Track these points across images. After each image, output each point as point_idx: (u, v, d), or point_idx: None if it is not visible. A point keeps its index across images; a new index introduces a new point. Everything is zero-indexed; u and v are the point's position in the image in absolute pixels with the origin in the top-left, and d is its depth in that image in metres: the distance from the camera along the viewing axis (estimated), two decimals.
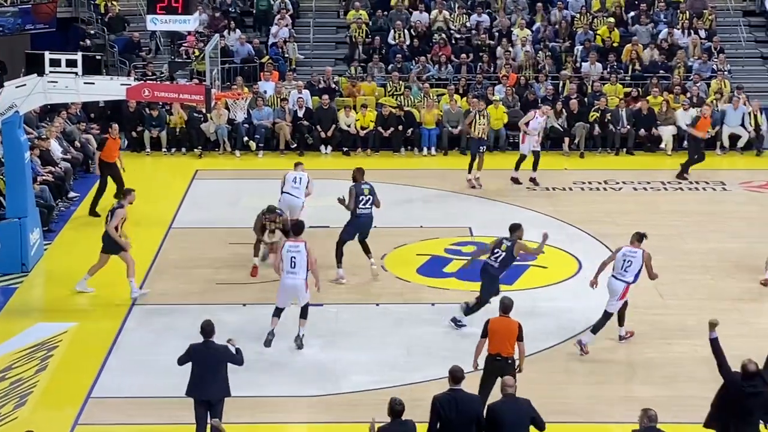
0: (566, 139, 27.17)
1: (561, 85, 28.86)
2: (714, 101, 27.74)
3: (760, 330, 16.62)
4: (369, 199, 18.47)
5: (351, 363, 15.60)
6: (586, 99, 28.23)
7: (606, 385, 15.06)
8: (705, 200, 23.58)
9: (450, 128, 27.33)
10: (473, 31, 30.90)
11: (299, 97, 27.72)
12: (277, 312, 16.09)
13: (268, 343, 15.94)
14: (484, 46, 30.32)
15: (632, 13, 31.62)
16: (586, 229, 21.30)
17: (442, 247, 20.33)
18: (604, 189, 24.35)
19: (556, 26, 31.11)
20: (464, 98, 28.00)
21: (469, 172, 24.12)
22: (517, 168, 24.32)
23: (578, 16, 31.49)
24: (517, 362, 13.45)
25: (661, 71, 29.45)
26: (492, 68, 29.66)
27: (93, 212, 22.15)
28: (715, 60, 29.65)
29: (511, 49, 30.05)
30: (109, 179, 22.38)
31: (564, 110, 27.51)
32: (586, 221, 21.70)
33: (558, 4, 31.58)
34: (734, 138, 27.30)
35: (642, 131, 27.30)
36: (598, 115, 27.35)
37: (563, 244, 20.37)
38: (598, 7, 31.89)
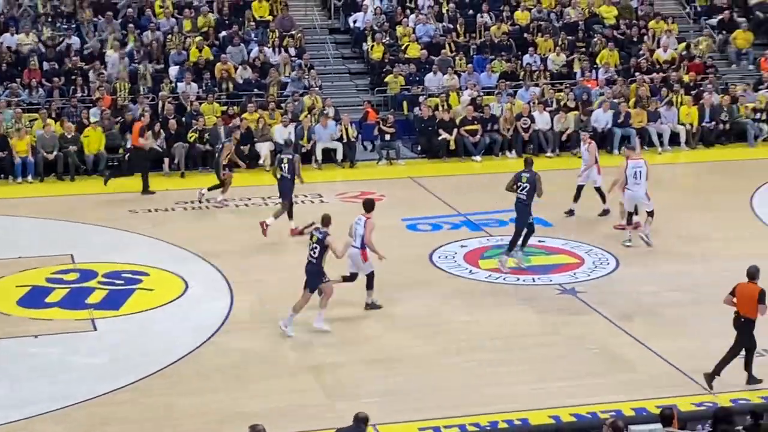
0: (165, 160, 27.08)
1: (160, 105, 28.73)
2: (307, 116, 28.59)
3: (365, 336, 17.21)
4: None
5: None
6: (184, 119, 28.27)
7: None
8: (304, 213, 24.04)
9: (45, 154, 26.50)
10: (64, 55, 30.16)
11: None
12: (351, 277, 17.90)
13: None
14: (75, 69, 29.65)
15: (224, 33, 32.01)
16: (190, 248, 21.31)
17: (43, 277, 19.66)
18: (207, 208, 24.47)
19: (149, 47, 30.93)
20: (58, 122, 27.25)
21: None
22: None
23: (171, 36, 31.47)
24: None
25: (255, 89, 30.03)
26: (86, 91, 29.07)
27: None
28: (307, 76, 30.60)
29: (104, 71, 29.60)
30: None
31: (162, 131, 27.40)
32: (190, 241, 21.71)
33: (150, 25, 31.44)
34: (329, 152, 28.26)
35: (241, 148, 27.66)
36: (197, 135, 27.46)
37: (168, 264, 20.30)
38: (190, 27, 32.04)
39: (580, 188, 23.27)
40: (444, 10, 34.01)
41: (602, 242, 21.48)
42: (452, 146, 28.60)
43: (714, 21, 34.99)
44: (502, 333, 17.28)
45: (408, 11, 33.83)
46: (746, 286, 15.00)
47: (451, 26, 33.41)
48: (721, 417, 11.31)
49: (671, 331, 17.34)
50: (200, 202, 24.54)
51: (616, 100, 29.93)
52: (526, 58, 32.08)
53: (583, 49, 32.94)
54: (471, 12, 34.10)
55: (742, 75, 33.37)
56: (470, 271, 20.19)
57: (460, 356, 16.42)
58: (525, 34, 33.22)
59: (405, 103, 30.35)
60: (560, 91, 30.91)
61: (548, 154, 29.00)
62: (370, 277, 18.01)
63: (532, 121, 29.17)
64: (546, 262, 20.61)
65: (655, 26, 33.89)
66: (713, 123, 29.78)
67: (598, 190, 23.01)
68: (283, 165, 22.07)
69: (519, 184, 20.03)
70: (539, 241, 21.67)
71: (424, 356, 16.43)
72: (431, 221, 23.12)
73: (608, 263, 20.46)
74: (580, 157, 28.49)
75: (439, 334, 17.22)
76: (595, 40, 33.06)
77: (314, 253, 16.91)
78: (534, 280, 19.68)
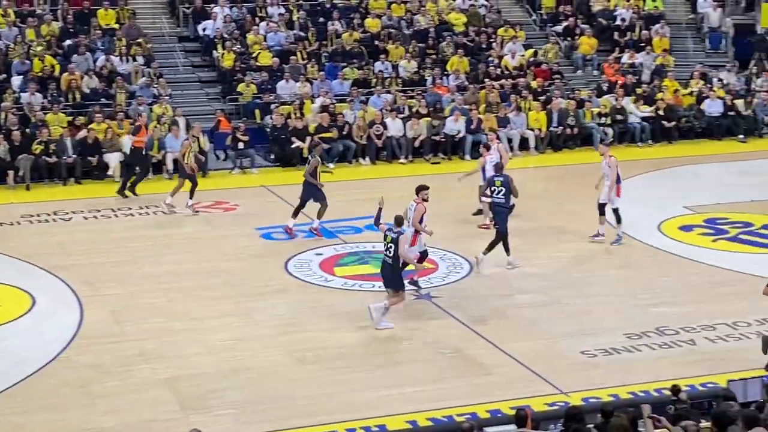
0: (10, 173, 26.34)
1: (3, 116, 27.92)
2: (157, 126, 28.15)
3: (218, 346, 17.03)
4: None
5: None
6: (28, 130, 27.53)
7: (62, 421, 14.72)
8: (157, 224, 23.83)
9: None
10: None
11: None
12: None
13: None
14: None
15: (69, 42, 31.31)
16: (37, 262, 20.75)
17: None
18: (54, 220, 23.88)
19: None
20: None
21: None
22: None
23: (13, 45, 30.63)
24: None
25: (102, 99, 29.45)
26: None
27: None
28: (156, 85, 30.15)
29: None
30: None
31: (6, 142, 26.63)
32: (37, 254, 21.15)
33: None
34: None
35: (89, 159, 27.13)
36: (42, 146, 26.78)
37: (14, 280, 19.74)
38: (33, 36, 31.23)
39: (601, 206, 21.86)
40: (295, 18, 33.94)
41: (456, 247, 21.65)
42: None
43: (559, 28, 35.73)
44: (358, 340, 17.27)
45: (258, 19, 33.64)
46: None
47: (302, 34, 33.35)
48: (572, 416, 11.47)
49: (524, 333, 17.58)
50: (196, 213, 24.20)
51: (466, 107, 30.29)
52: (378, 66, 32.23)
53: (434, 56, 33.26)
54: (322, 20, 34.12)
55: (587, 80, 34.15)
56: (326, 279, 20.12)
57: (316, 364, 16.35)
58: (376, 42, 33.38)
59: (257, 112, 30.16)
60: (412, 97, 31.13)
61: (401, 161, 29.17)
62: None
63: (385, 127, 29.30)
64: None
65: (503, 33, 34.43)
66: (561, 128, 30.38)
67: (615, 211, 21.78)
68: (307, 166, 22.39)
69: (493, 188, 20.29)
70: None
71: (279, 365, 16.31)
72: None
73: (462, 268, 20.65)
74: (435, 164, 28.93)
75: (295, 343, 17.11)
76: (444, 44, 33.41)
77: (389, 253, 17.39)
78: None
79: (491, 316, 18.26)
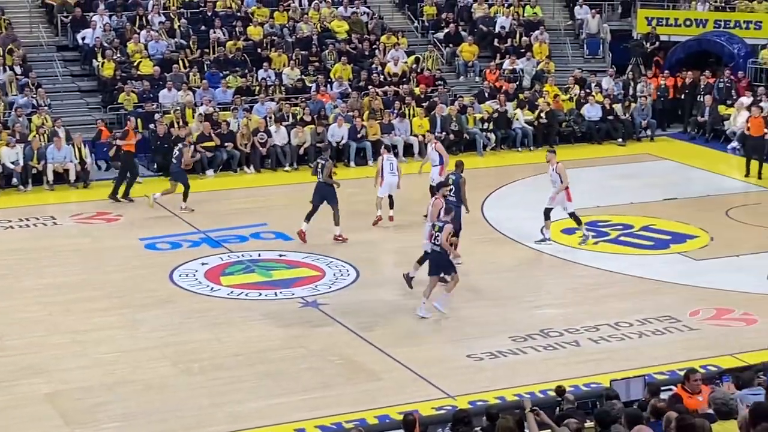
0: None
1: None
2: (36, 136, 27.59)
3: (101, 359, 16.77)
4: None
5: None
6: None
7: None
8: (36, 236, 23.34)
9: None
10: None
11: None
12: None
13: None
14: None
15: None
16: None
17: None
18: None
19: None
20: None
21: None
22: None
23: None
24: None
25: None
26: None
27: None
28: (35, 95, 29.56)
29: None
30: None
31: None
32: None
33: None
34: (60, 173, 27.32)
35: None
36: None
37: None
38: None
39: (547, 211, 22.12)
40: (176, 26, 33.61)
41: (342, 253, 21.67)
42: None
43: (441, 35, 36.04)
44: (245, 349, 17.17)
45: (139, 27, 33.25)
46: None
47: (183, 42, 33.05)
48: (459, 419, 11.55)
49: (411, 338, 17.67)
50: (192, 210, 24.57)
51: (350, 114, 30.35)
52: (261, 73, 32.10)
53: (317, 64, 33.26)
54: (203, 27, 33.84)
55: (469, 86, 34.50)
56: (212, 288, 19.96)
57: (203, 375, 16.21)
58: (259, 49, 33.24)
59: (139, 121, 29.76)
60: (296, 105, 31.08)
61: (286, 169, 29.08)
62: (428, 254, 18.94)
63: (269, 135, 29.19)
64: (287, 276, 20.62)
65: (385, 40, 34.60)
66: (444, 133, 30.62)
67: (571, 215, 22.15)
68: (318, 169, 22.47)
69: (449, 185, 20.79)
70: (280, 255, 21.70)
71: (166, 377, 16.13)
72: (170, 239, 22.73)
73: (349, 274, 20.67)
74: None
75: (182, 354, 16.94)
76: (327, 51, 33.45)
77: (437, 241, 18.20)
78: (276, 295, 19.66)
79: (379, 322, 18.32)
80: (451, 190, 20.67)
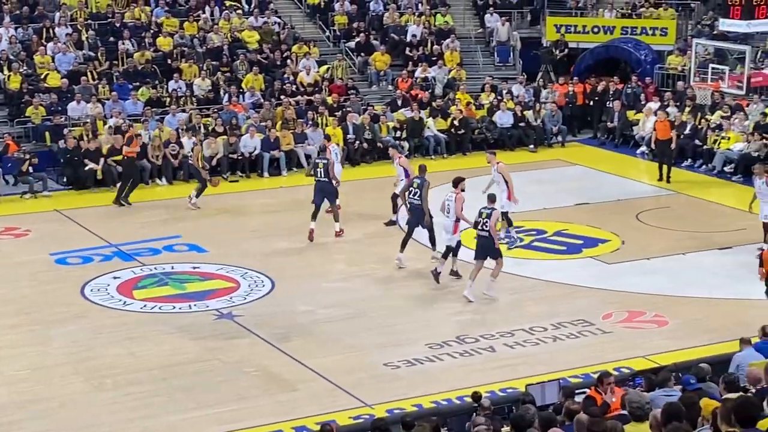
0: None
1: None
2: None
3: (13, 377, 16.48)
4: None
5: None
6: None
7: None
8: None
9: None
10: None
11: None
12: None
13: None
14: None
15: None
16: None
17: None
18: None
19: None
20: None
21: None
22: None
23: None
24: None
25: None
26: None
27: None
28: None
29: None
30: None
31: None
32: None
33: None
34: None
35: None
36: None
37: None
38: None
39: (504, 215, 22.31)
40: (84, 38, 33.16)
41: (257, 264, 21.54)
42: (100, 176, 27.89)
43: (352, 44, 36.06)
44: (159, 363, 16.97)
45: (46, 39, 32.75)
46: None
47: (92, 54, 32.62)
48: (376, 428, 11.54)
49: (328, 348, 17.62)
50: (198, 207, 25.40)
51: (263, 124, 30.21)
52: (172, 84, 31.81)
53: (228, 74, 33.07)
54: (112, 39, 33.45)
55: (382, 95, 34.56)
56: (124, 302, 19.70)
57: (116, 390, 15.99)
58: (169, 60, 32.95)
59: (47, 134, 29.30)
60: (208, 116, 30.85)
61: None
62: (452, 248, 20.39)
63: (181, 147, 28.92)
64: (202, 288, 20.44)
65: (297, 50, 34.51)
66: (357, 142, 30.64)
67: (504, 215, 22.23)
68: (318, 170, 22.87)
69: (411, 189, 21.39)
70: (194, 268, 21.51)
71: (78, 393, 15.89)
72: (81, 254, 22.39)
73: (264, 285, 20.55)
74: (233, 182, 28.64)
75: (94, 369, 16.70)
76: (239, 62, 33.27)
77: (485, 226, 19.17)
78: (190, 307, 19.47)
79: (294, 333, 18.24)
80: (414, 193, 21.19)
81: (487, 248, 19.45)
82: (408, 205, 21.77)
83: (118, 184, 26.71)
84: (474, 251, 19.78)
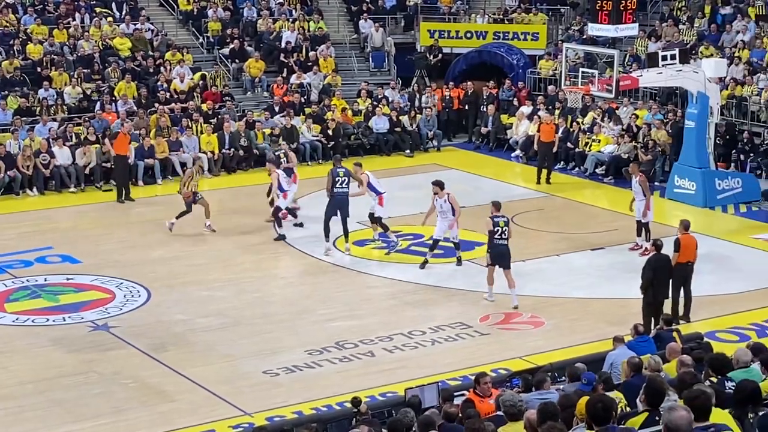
0: None
1: None
2: None
3: None
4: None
5: None
6: None
7: None
8: None
9: None
10: None
11: None
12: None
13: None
14: None
15: None
16: None
17: None
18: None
19: None
20: None
21: None
22: None
23: None
24: None
25: None
26: None
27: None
28: None
29: None
30: None
31: None
32: None
33: None
34: None
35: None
36: None
37: None
38: None
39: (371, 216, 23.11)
40: None
41: (132, 274, 21.24)
42: None
43: (226, 50, 35.81)
44: (33, 377, 16.62)
45: None
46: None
47: None
48: None
49: (205, 357, 17.47)
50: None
51: (137, 132, 29.79)
52: (42, 93, 31.18)
53: (100, 82, 32.54)
54: None
55: (257, 101, 34.40)
56: None
57: None
58: (39, 68, 32.28)
59: None
60: (80, 124, 30.31)
61: (72, 190, 28.28)
62: (457, 244, 21.97)
63: (52, 156, 28.35)
64: (76, 300, 20.08)
65: (170, 57, 34.14)
66: (233, 149, 30.44)
67: (371, 215, 23.12)
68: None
69: (337, 179, 22.14)
70: (68, 279, 21.12)
71: None
72: None
73: (140, 295, 20.27)
74: (107, 191, 28.20)
75: None
76: (110, 69, 32.77)
77: (505, 235, 19.45)
78: (65, 319, 19.10)
79: (171, 342, 18.04)
80: (342, 182, 22.06)
81: (504, 256, 19.55)
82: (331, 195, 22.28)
83: None
84: (489, 257, 19.70)
